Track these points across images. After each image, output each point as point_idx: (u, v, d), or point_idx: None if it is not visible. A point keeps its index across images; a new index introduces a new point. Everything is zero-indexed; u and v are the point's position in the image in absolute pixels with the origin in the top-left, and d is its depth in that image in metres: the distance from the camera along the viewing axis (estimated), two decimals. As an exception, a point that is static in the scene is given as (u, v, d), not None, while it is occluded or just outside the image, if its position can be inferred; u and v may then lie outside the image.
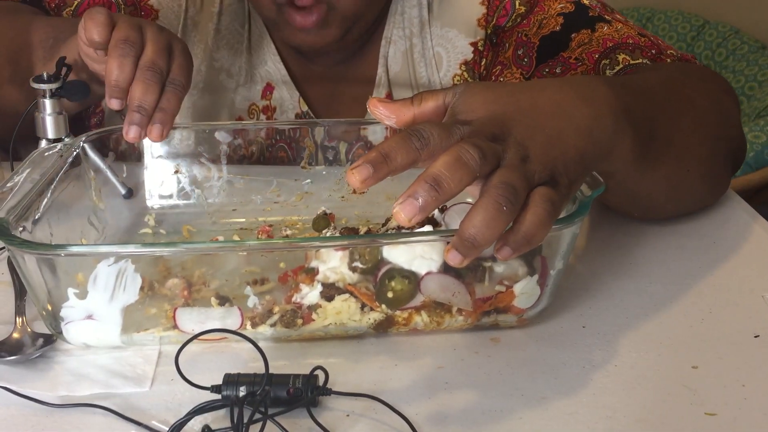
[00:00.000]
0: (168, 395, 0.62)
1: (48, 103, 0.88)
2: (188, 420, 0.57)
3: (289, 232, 0.87)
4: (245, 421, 0.55)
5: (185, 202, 0.92)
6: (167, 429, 0.57)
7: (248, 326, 0.67)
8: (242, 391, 0.59)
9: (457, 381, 0.64)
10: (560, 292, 0.75)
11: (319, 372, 0.60)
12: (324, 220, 0.85)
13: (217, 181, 0.92)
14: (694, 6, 3.00)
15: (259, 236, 0.86)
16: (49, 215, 0.75)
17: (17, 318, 0.70)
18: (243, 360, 0.66)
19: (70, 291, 0.65)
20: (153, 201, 0.92)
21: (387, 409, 0.59)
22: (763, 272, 0.80)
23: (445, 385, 0.63)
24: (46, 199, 0.75)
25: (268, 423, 0.56)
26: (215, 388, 0.60)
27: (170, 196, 0.92)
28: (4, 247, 0.83)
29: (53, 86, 0.88)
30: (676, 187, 0.84)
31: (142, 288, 0.66)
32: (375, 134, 0.93)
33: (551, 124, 0.62)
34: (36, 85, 0.87)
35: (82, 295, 0.65)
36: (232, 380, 0.60)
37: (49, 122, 0.89)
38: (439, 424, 0.59)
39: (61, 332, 0.67)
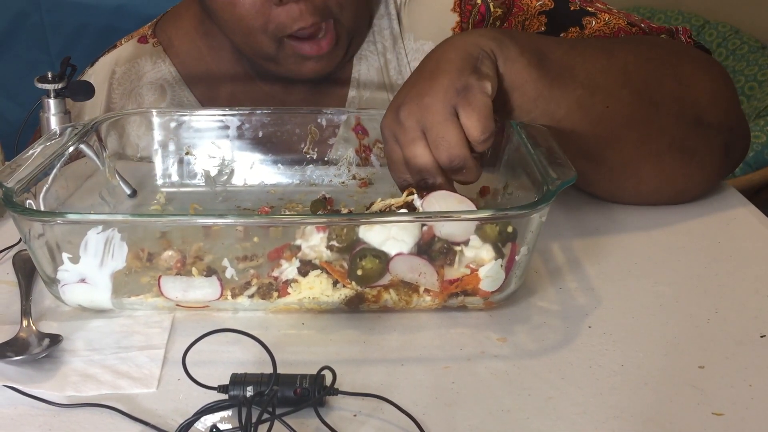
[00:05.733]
0: (175, 395, 0.62)
1: (52, 103, 0.88)
2: (196, 420, 0.57)
3: (288, 213, 0.91)
4: (253, 421, 0.55)
5: (194, 182, 0.97)
6: (175, 429, 0.57)
7: (228, 296, 0.71)
8: (249, 391, 0.59)
9: (463, 380, 0.64)
10: (566, 294, 0.76)
11: (326, 372, 0.60)
12: (321, 204, 0.89)
13: (226, 163, 0.98)
14: (694, 6, 3.00)
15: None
16: (59, 188, 0.81)
17: (23, 318, 0.70)
18: (250, 360, 0.66)
19: (65, 255, 0.70)
20: (164, 180, 0.97)
21: (394, 409, 0.59)
22: (768, 272, 0.80)
23: (452, 384, 0.63)
24: (54, 171, 0.80)
25: (276, 423, 0.56)
26: (222, 388, 0.60)
27: (180, 176, 0.97)
28: (8, 248, 0.83)
29: (58, 86, 0.88)
30: (598, 121, 0.84)
31: (140, 258, 0.73)
32: (372, 121, 0.98)
33: (427, 83, 0.77)
34: (41, 85, 0.87)
35: (75, 259, 0.70)
36: (239, 380, 0.60)
37: (54, 122, 0.89)
38: (446, 423, 0.59)
39: (59, 295, 0.72)
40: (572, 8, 0.99)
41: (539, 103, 0.81)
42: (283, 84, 1.08)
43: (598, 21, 0.97)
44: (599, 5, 1.01)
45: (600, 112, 0.84)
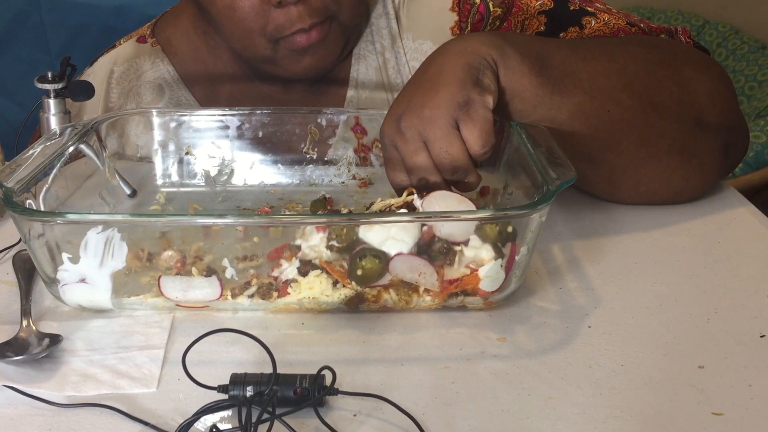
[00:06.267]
0: (175, 395, 0.62)
1: (52, 103, 0.88)
2: (195, 420, 0.57)
3: (288, 213, 0.91)
4: (253, 420, 0.55)
5: (194, 182, 0.97)
6: (175, 429, 0.57)
7: (228, 296, 0.71)
8: (249, 391, 0.59)
9: (463, 380, 0.64)
10: (566, 293, 0.76)
11: (326, 372, 0.60)
12: (321, 204, 0.89)
13: (226, 163, 0.98)
14: (694, 6, 3.00)
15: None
16: (59, 188, 0.81)
17: (23, 318, 0.70)
18: (249, 360, 0.66)
19: (64, 255, 0.70)
20: (164, 180, 0.97)
21: (394, 408, 0.59)
22: (768, 272, 0.80)
23: (451, 384, 0.63)
24: (54, 171, 0.80)
25: (276, 423, 0.56)
26: (222, 388, 0.60)
27: (180, 176, 0.97)
28: (8, 248, 0.83)
29: (58, 86, 0.88)
30: (599, 126, 0.84)
31: (140, 258, 0.73)
32: (371, 121, 0.99)
33: (428, 94, 0.77)
34: (41, 85, 0.88)
35: (75, 259, 0.70)
36: (239, 380, 0.60)
37: (54, 122, 0.89)
38: (446, 423, 0.59)
39: (59, 295, 0.72)
40: (572, 8, 0.99)
41: (539, 109, 0.81)
42: (282, 84, 1.08)
43: (598, 21, 0.97)
44: (599, 5, 1.00)
45: (601, 115, 0.84)
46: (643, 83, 0.86)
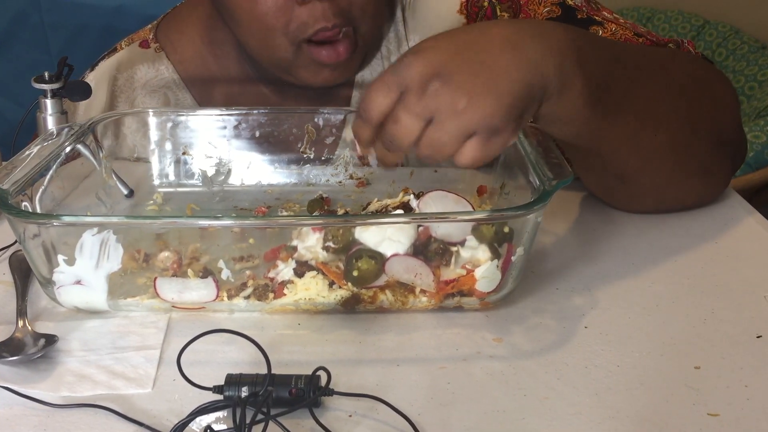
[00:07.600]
0: (170, 396, 0.62)
1: (49, 103, 0.88)
2: (190, 421, 0.57)
3: (285, 213, 0.90)
4: (247, 421, 0.55)
5: (191, 181, 0.97)
6: (170, 429, 0.57)
7: (224, 298, 0.71)
8: (244, 392, 0.59)
9: (459, 381, 0.64)
10: (562, 294, 0.76)
11: (321, 372, 0.60)
12: (318, 204, 0.89)
13: (223, 163, 0.97)
14: (694, 6, 3.00)
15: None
16: (56, 189, 0.80)
17: (19, 318, 0.70)
18: (245, 360, 0.65)
19: (60, 257, 0.70)
20: (161, 180, 0.97)
21: (389, 409, 0.59)
22: (765, 273, 0.80)
23: (447, 385, 0.63)
24: (51, 172, 0.80)
25: (270, 423, 0.56)
26: (217, 389, 0.60)
27: (177, 176, 0.97)
28: (5, 248, 0.83)
29: (55, 86, 0.88)
30: (643, 150, 0.83)
31: (136, 259, 0.73)
32: None
33: (478, 89, 0.68)
34: (37, 85, 0.88)
35: (71, 261, 0.69)
36: (234, 381, 0.60)
37: (51, 122, 0.89)
38: (441, 424, 0.59)
39: (55, 296, 0.72)
40: (579, 16, 0.97)
41: (584, 135, 0.79)
42: (288, 92, 1.07)
43: (605, 30, 0.95)
44: (606, 14, 0.98)
45: (645, 139, 0.82)
46: (689, 103, 0.85)
